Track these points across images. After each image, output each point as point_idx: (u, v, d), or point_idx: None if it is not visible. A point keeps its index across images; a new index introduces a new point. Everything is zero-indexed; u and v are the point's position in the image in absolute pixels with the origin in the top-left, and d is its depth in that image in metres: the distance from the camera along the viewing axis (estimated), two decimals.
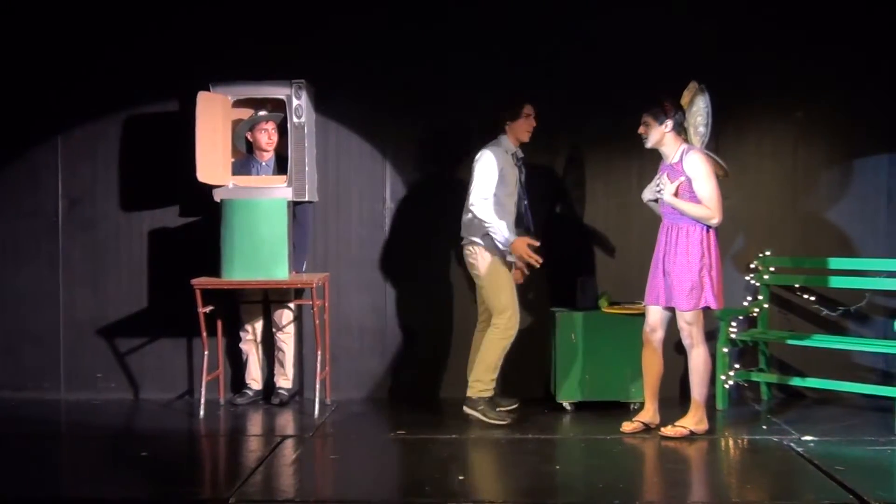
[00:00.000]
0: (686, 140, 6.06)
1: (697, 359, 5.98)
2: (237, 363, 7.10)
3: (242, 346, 7.00)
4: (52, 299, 7.18)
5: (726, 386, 6.75)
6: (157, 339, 7.19)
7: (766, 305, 7.04)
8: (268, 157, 6.89)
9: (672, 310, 6.01)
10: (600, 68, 7.02)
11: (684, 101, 6.09)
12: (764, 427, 6.30)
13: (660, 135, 5.99)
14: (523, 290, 6.72)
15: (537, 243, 6.29)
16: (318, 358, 6.70)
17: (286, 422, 6.58)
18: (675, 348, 6.42)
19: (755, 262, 7.06)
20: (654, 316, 6.10)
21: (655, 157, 6.17)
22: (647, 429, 6.12)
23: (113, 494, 5.03)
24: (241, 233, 6.48)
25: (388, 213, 7.19)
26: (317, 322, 6.66)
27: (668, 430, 6.02)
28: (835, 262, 6.86)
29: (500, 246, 6.30)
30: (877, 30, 7.03)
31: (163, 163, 7.07)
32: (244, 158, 6.91)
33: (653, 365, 6.14)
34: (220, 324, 6.94)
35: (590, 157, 7.12)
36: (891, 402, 6.18)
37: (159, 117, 7.13)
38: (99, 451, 5.95)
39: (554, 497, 5.09)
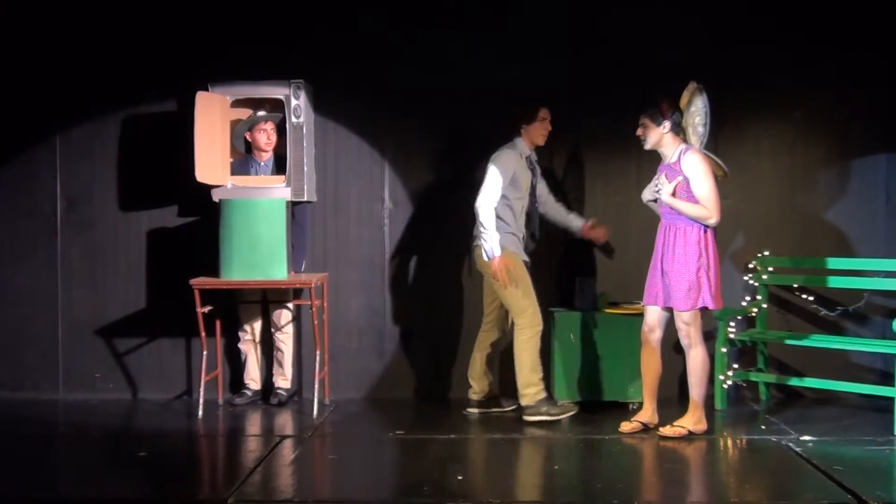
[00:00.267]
0: (685, 140, 6.07)
1: (695, 359, 5.99)
2: (236, 363, 7.10)
3: (241, 346, 7.00)
4: (50, 299, 7.17)
5: (725, 386, 6.75)
6: (156, 339, 7.19)
7: (764, 305, 7.04)
8: (266, 157, 6.89)
9: (671, 310, 6.02)
10: (600, 68, 7.02)
11: (683, 101, 6.09)
12: (762, 427, 6.30)
13: (658, 136, 6.00)
14: None
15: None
16: (317, 358, 6.70)
17: (285, 422, 6.58)
18: (673, 348, 6.41)
19: (754, 262, 7.06)
20: (653, 316, 6.10)
21: (654, 157, 6.17)
22: (646, 429, 6.12)
23: (111, 494, 5.03)
24: (240, 233, 6.48)
25: (387, 213, 7.19)
26: (315, 322, 6.65)
27: (666, 430, 6.02)
28: (833, 262, 6.86)
29: (485, 255, 6.28)
30: (876, 30, 7.03)
31: (161, 163, 7.06)
32: (243, 158, 6.91)
33: (651, 365, 6.14)
34: (218, 324, 6.94)
35: (589, 157, 7.12)
36: (889, 401, 6.18)
37: (158, 117, 7.12)
38: (97, 452, 5.94)
39: (553, 497, 5.08)
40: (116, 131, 7.16)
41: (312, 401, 6.62)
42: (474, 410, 6.61)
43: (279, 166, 6.83)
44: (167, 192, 7.12)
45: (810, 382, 6.73)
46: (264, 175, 6.81)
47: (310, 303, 6.66)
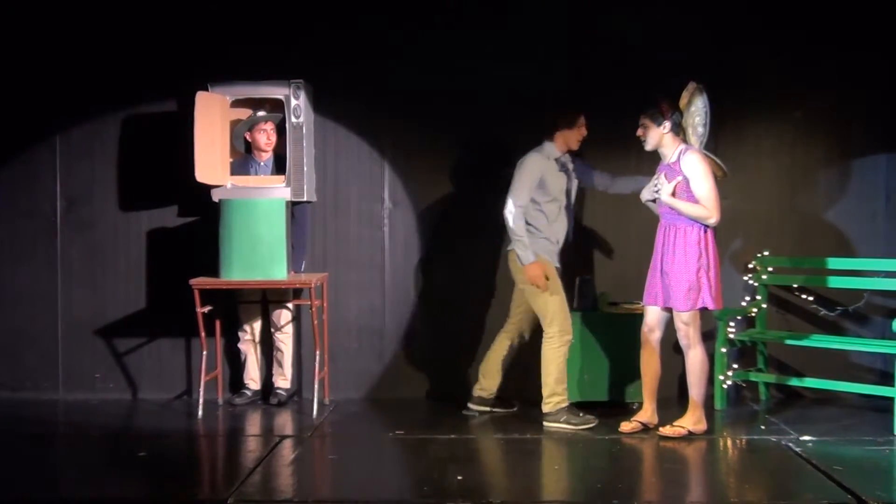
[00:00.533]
0: (685, 140, 6.06)
1: (694, 359, 5.99)
2: (236, 363, 7.10)
3: (241, 346, 7.00)
4: (50, 299, 7.17)
5: (725, 386, 6.75)
6: (156, 339, 7.19)
7: (764, 305, 7.04)
8: (266, 157, 6.89)
9: (671, 310, 6.02)
10: (600, 68, 7.02)
11: (683, 101, 6.09)
12: (762, 427, 6.30)
13: (658, 136, 6.00)
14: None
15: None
16: (317, 358, 6.70)
17: (285, 422, 6.58)
18: (673, 348, 6.41)
19: (753, 262, 7.07)
20: (653, 316, 6.10)
21: (654, 156, 6.17)
22: (646, 429, 6.12)
23: (111, 494, 5.03)
24: (240, 233, 6.48)
25: (387, 213, 7.18)
26: (315, 322, 6.65)
27: (666, 430, 6.02)
28: (833, 262, 6.86)
29: (518, 261, 6.26)
30: (876, 30, 7.03)
31: (161, 163, 7.06)
32: (242, 158, 6.91)
33: (651, 365, 6.14)
34: (218, 324, 6.94)
35: (589, 157, 7.11)
36: (889, 401, 6.18)
37: (158, 117, 7.12)
38: (97, 452, 5.94)
39: (553, 497, 5.09)
40: (116, 131, 7.16)
41: (312, 401, 6.62)
42: (475, 408, 6.59)
43: (279, 166, 6.83)
44: (167, 192, 7.12)
45: (810, 382, 6.73)
46: (264, 175, 6.81)
47: (310, 303, 6.66)
